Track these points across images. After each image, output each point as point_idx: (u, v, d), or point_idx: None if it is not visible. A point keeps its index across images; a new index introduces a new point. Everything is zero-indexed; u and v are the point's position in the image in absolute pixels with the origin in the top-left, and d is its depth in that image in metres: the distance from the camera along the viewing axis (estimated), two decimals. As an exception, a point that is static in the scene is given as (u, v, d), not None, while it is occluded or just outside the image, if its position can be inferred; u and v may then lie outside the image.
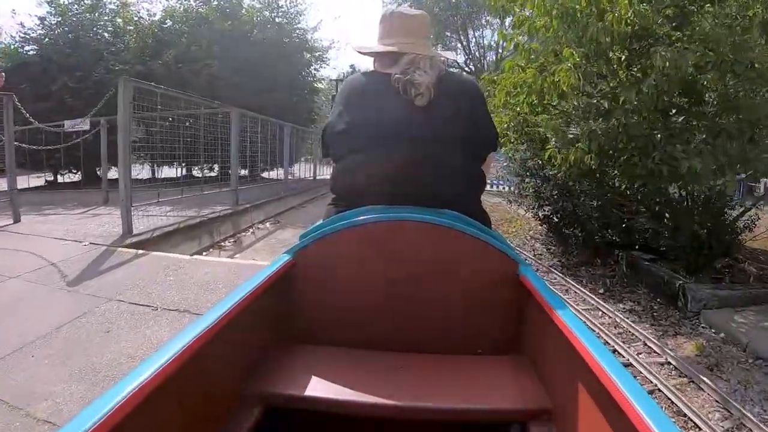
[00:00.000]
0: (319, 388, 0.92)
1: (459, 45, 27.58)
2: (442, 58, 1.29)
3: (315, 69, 12.71)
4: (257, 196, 7.06)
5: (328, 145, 1.23)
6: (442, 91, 1.14)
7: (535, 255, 5.39)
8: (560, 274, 4.70)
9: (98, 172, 9.08)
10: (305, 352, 1.06)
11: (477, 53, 27.29)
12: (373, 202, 1.10)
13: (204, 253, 4.75)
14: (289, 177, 10.99)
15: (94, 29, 11.51)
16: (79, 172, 10.48)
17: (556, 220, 4.91)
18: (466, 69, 28.37)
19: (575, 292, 4.27)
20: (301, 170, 11.79)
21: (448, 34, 26.25)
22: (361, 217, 1.06)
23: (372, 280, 1.08)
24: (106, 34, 11.66)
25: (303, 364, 1.01)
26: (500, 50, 27.19)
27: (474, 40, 26.82)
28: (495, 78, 5.28)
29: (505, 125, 4.83)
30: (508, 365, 1.04)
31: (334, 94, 12.99)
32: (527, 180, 5.18)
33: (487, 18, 26.49)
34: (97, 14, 11.65)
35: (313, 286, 1.10)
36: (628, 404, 0.59)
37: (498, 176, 5.83)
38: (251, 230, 5.79)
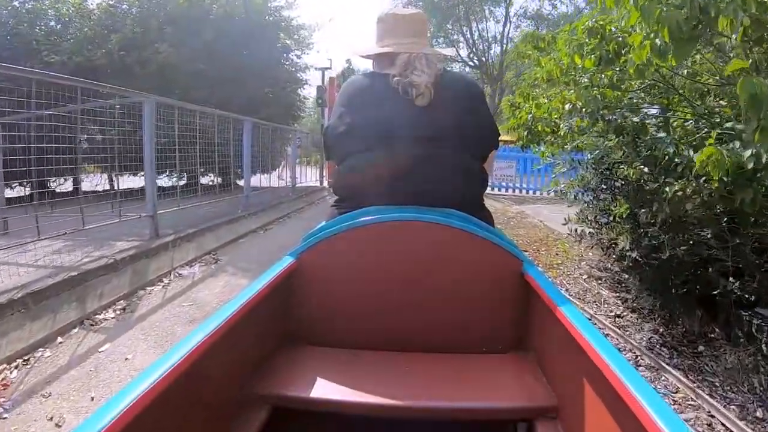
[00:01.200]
0: (325, 389, 0.91)
1: (461, 38, 25.68)
2: (440, 55, 1.26)
3: (296, 56, 10.64)
4: (196, 219, 5.07)
5: (330, 146, 1.24)
6: (442, 91, 1.16)
7: (614, 319, 3.34)
8: (678, 374, 2.65)
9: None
10: (311, 353, 1.06)
11: (481, 46, 25.37)
12: (376, 202, 1.11)
13: (59, 339, 2.78)
14: (284, 184, 8.99)
15: (41, 18, 9.60)
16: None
17: (659, 262, 2.86)
18: (470, 63, 26.48)
19: (722, 424, 2.24)
20: (278, 176, 9.75)
21: (449, 26, 24.37)
22: (364, 218, 1.06)
23: (376, 281, 1.07)
24: (59, 26, 9.76)
25: (308, 365, 1.01)
26: (505, 42, 25.26)
27: (477, 32, 24.94)
28: (544, 36, 3.27)
29: (567, 106, 2.82)
30: (514, 363, 1.04)
31: (320, 86, 10.98)
32: (605, 197, 3.10)
33: (491, 8, 24.53)
34: (46, 2, 9.72)
35: (317, 288, 1.10)
36: (634, 401, 0.58)
37: (566, 189, 3.67)
38: (164, 282, 3.78)
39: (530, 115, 3.31)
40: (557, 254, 5.16)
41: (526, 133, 3.38)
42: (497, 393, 0.92)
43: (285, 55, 10.12)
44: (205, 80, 8.25)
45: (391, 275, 1.06)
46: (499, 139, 1.28)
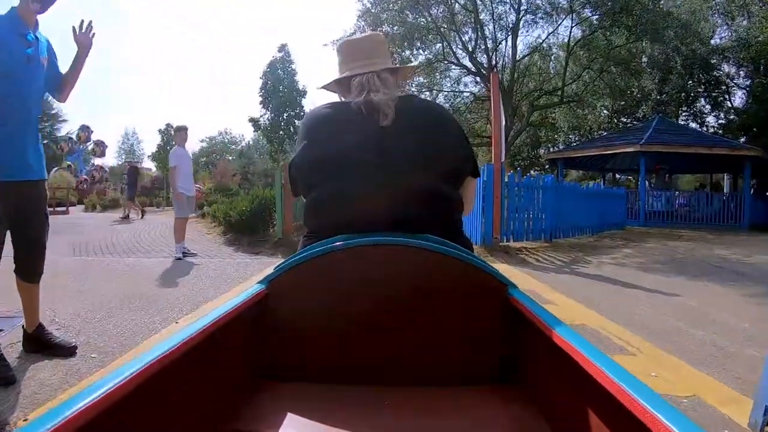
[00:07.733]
0: (299, 429, 0.84)
1: (458, 41, 19.32)
2: (407, 69, 1.35)
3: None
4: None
5: (296, 180, 1.22)
6: (406, 114, 1.14)
7: None
8: None
9: None
10: (283, 390, 1.00)
11: (485, 56, 18.25)
12: (347, 232, 1.06)
13: None
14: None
15: None
16: None
17: None
18: (472, 70, 19.96)
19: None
20: None
21: (444, 9, 17.21)
22: (336, 243, 1.00)
23: (352, 311, 1.01)
24: None
25: (281, 403, 0.93)
26: (521, 56, 19.02)
27: (478, 25, 18.17)
28: None
29: None
30: (503, 395, 0.97)
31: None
32: None
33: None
34: None
35: (288, 318, 1.03)
36: (660, 424, 0.46)
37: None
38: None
39: None
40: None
41: None
42: (487, 429, 0.85)
43: None
44: None
45: (367, 304, 0.99)
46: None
